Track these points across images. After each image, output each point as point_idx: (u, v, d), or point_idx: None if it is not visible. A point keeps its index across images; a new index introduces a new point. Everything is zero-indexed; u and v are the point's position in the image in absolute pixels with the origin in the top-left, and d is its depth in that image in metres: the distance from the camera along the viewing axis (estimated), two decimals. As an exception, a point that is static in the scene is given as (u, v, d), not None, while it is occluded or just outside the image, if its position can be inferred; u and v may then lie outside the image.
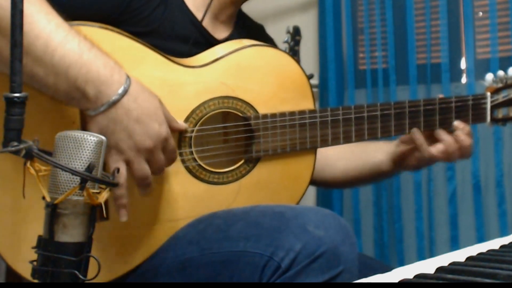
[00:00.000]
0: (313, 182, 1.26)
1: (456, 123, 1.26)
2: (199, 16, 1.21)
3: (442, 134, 1.26)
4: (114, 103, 0.93)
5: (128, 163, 0.97)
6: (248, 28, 1.34)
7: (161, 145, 0.98)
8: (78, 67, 0.90)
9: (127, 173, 0.97)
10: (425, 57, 2.52)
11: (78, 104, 0.94)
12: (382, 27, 2.61)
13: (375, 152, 1.38)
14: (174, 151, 1.03)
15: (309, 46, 2.75)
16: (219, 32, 1.26)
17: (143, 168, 0.98)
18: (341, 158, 1.42)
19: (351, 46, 2.68)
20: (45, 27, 0.89)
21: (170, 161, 1.03)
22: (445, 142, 1.26)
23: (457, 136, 1.25)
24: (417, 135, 1.25)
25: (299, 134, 1.17)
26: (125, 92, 0.94)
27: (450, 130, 1.27)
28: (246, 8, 1.32)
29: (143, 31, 1.11)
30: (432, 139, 1.27)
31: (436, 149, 1.26)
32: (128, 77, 0.95)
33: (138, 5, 1.11)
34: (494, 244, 0.83)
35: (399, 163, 1.35)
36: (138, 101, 0.95)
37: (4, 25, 0.83)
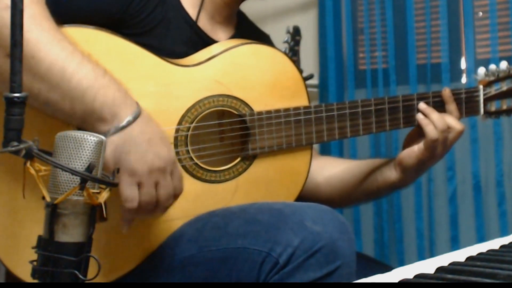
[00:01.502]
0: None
1: None
2: (194, 16, 1.21)
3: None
4: (130, 123, 0.95)
5: (139, 186, 0.97)
6: (253, 37, 1.28)
7: (170, 168, 0.99)
8: (94, 90, 0.93)
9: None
10: (425, 57, 2.52)
11: (93, 127, 0.95)
12: (382, 27, 2.61)
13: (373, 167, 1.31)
14: (181, 179, 1.02)
15: (309, 46, 2.75)
16: (219, 34, 1.25)
17: (151, 192, 0.98)
18: (334, 172, 1.36)
19: (351, 46, 2.68)
20: (59, 53, 0.92)
21: (177, 189, 1.02)
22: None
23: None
24: (429, 109, 1.22)
25: (294, 131, 1.17)
26: (139, 114, 0.97)
27: None
28: (245, 8, 1.32)
29: (139, 32, 1.11)
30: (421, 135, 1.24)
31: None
32: (137, 102, 0.99)
33: (139, 7, 1.11)
34: (494, 244, 0.83)
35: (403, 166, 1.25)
36: (150, 124, 0.98)
37: (5, 43, 0.83)
